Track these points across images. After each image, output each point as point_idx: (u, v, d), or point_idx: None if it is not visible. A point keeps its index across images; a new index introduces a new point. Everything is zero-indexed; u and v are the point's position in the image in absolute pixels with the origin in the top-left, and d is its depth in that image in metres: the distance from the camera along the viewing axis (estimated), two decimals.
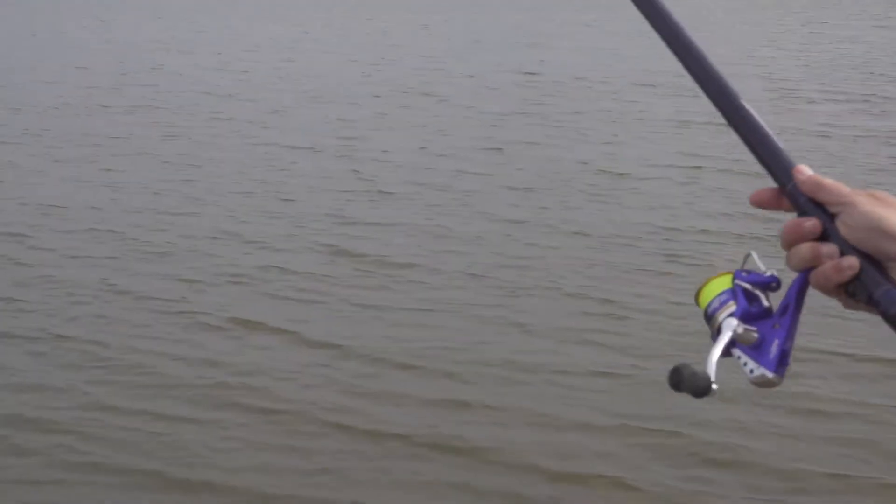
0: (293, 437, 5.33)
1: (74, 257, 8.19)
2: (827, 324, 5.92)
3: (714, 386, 1.17)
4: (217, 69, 17.31)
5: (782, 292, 1.25)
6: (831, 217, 1.23)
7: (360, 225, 8.88)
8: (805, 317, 1.24)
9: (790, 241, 1.23)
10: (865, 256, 1.20)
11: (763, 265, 1.27)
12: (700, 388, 1.18)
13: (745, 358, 1.22)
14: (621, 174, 10.53)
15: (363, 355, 6.24)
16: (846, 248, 1.21)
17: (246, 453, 5.18)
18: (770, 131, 1.30)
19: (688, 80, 1.33)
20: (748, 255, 1.29)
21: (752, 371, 1.22)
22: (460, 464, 5.05)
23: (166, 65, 17.77)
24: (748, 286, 1.25)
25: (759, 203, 1.29)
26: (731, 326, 1.22)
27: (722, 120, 1.32)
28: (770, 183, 1.28)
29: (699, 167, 10.52)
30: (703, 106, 1.34)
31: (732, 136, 1.31)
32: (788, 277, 1.26)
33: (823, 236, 1.23)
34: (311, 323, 6.77)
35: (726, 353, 1.22)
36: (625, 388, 5.81)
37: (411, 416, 5.52)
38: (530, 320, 6.78)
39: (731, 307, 1.24)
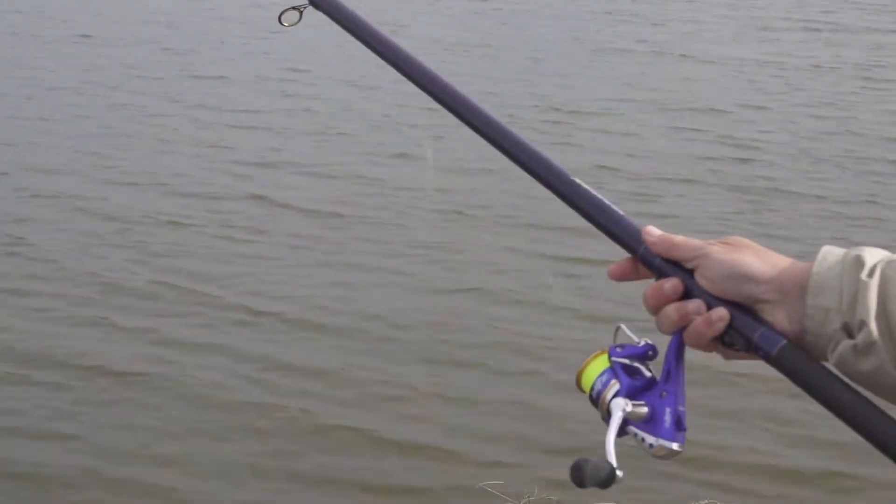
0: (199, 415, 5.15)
1: None
2: None
3: (619, 473, 1.16)
4: None
5: (661, 358, 1.23)
6: (690, 273, 1.21)
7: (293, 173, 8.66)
8: None
9: (655, 306, 1.22)
10: (733, 304, 1.19)
11: (635, 336, 1.25)
12: (604, 479, 1.17)
13: (641, 434, 1.21)
14: None
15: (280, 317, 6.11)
16: (712, 301, 1.20)
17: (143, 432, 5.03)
18: (608, 201, 1.27)
19: None
20: (618, 329, 1.27)
21: (651, 445, 1.21)
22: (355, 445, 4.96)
23: None
24: (626, 361, 1.24)
25: (619, 276, 1.27)
26: (619, 407, 1.21)
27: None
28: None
29: None
30: None
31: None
32: (663, 341, 1.24)
33: (687, 294, 1.21)
34: (227, 280, 6.57)
35: (621, 432, 1.21)
36: None
37: (330, 390, 5.36)
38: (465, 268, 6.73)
39: (615, 386, 1.23)
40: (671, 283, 1.21)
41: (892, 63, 12.21)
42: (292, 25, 1.59)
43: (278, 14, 1.60)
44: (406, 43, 1.51)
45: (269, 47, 12.96)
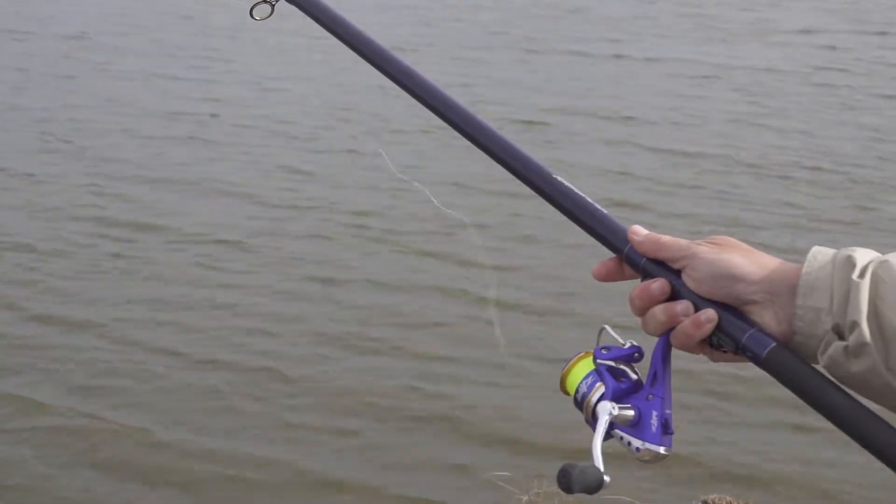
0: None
1: None
2: None
3: (606, 478, 1.15)
4: None
5: (647, 359, 1.23)
6: (677, 273, 1.20)
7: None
8: None
9: (642, 307, 1.21)
10: (721, 305, 1.18)
11: (620, 337, 1.24)
12: (592, 484, 1.16)
13: (627, 437, 1.21)
14: None
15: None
16: (700, 302, 1.20)
17: None
18: (591, 200, 1.26)
19: None
20: (602, 330, 1.26)
21: (637, 449, 1.20)
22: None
23: None
24: (611, 363, 1.23)
25: (604, 276, 1.26)
26: (606, 410, 1.20)
27: None
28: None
29: None
30: None
31: None
32: (649, 342, 1.23)
33: (674, 295, 1.20)
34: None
35: (606, 436, 1.20)
36: None
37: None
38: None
39: (601, 389, 1.22)
40: (658, 284, 1.20)
41: (848, 66, 12.36)
42: (264, 19, 1.56)
43: (249, 7, 1.57)
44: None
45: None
